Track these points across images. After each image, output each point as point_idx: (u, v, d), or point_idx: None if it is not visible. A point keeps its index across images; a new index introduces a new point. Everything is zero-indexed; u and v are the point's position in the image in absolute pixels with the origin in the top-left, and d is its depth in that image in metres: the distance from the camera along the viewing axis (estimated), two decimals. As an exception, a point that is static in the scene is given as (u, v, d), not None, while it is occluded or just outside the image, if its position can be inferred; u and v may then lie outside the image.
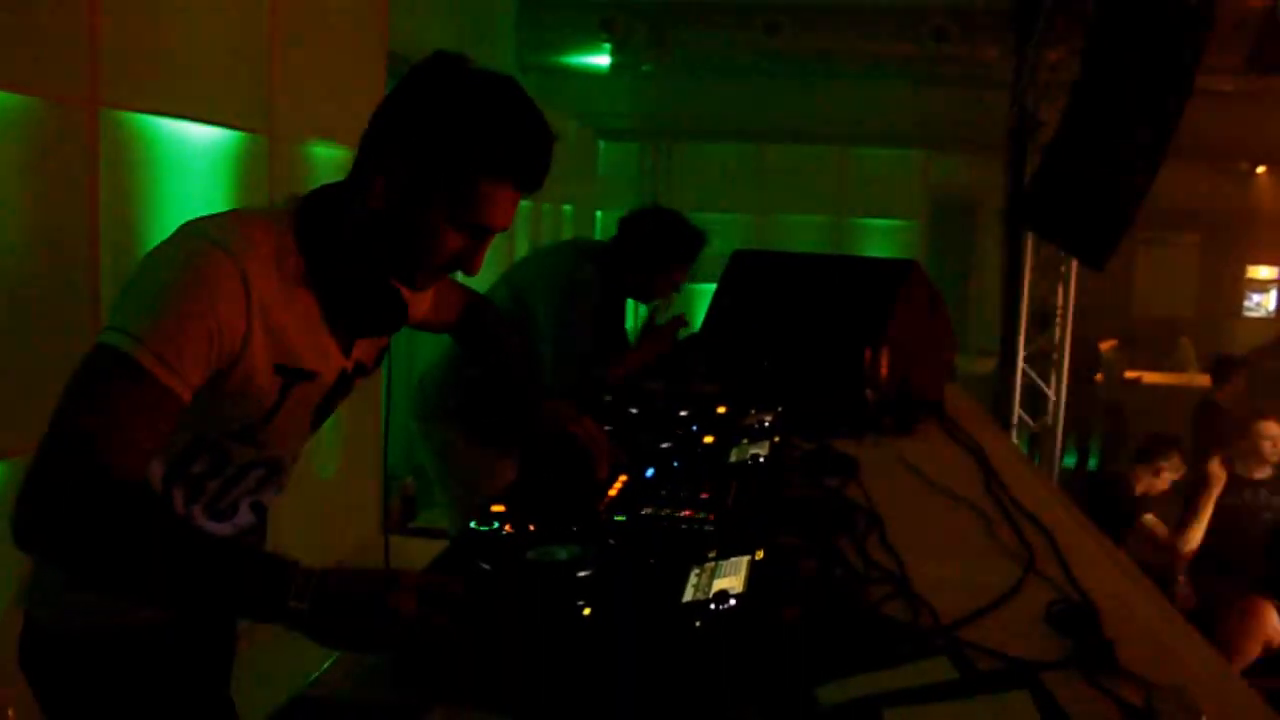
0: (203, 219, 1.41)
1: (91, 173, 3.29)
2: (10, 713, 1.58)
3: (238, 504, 1.62)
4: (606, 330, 3.48)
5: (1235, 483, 4.95)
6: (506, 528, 1.63)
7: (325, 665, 1.39)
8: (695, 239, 3.55)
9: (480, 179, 1.41)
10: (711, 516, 1.70)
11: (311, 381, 1.53)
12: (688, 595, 1.37)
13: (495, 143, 1.41)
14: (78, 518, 1.21)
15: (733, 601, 1.31)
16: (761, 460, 2.06)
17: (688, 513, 1.72)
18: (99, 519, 1.21)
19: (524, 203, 1.91)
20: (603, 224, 12.80)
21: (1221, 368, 7.48)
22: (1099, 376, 9.26)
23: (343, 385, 1.63)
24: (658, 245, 3.50)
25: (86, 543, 1.22)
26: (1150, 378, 9.61)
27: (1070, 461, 8.46)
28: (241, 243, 1.37)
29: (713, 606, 1.31)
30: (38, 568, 1.57)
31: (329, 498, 4.80)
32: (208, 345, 1.33)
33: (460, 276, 1.57)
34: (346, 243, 1.48)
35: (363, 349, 1.64)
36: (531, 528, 1.63)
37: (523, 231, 8.64)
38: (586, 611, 1.33)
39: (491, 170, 1.41)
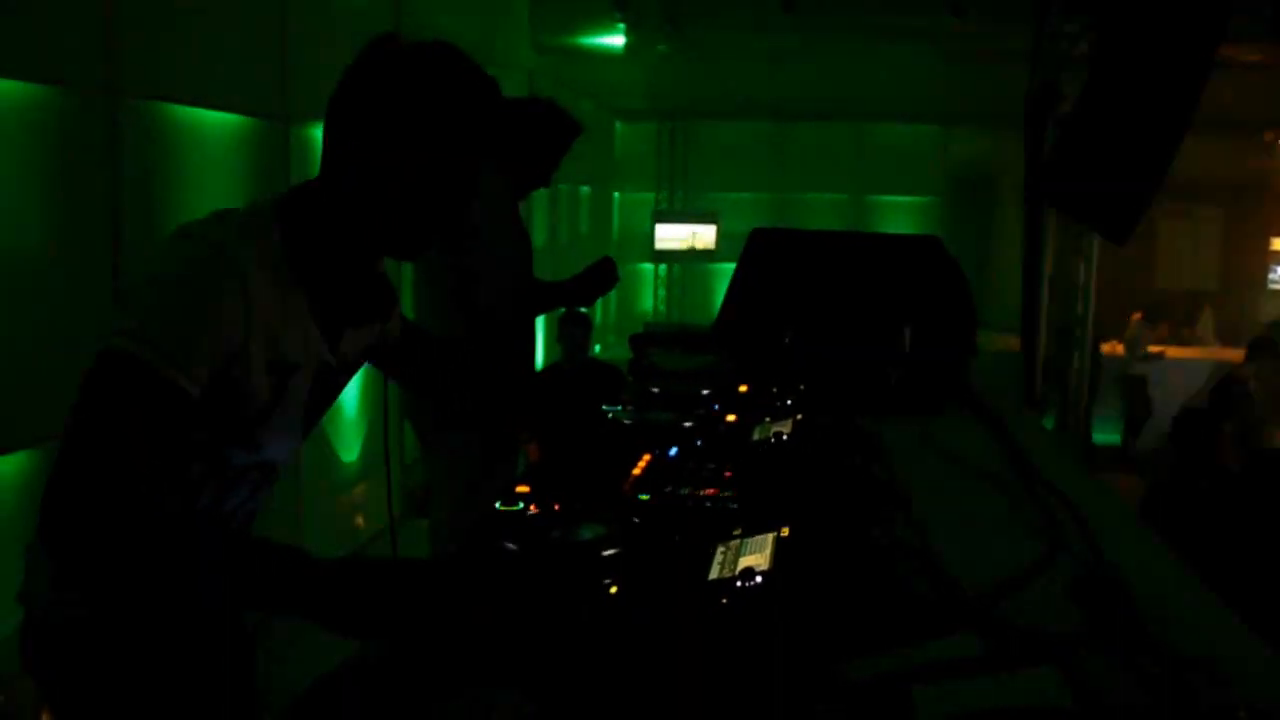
0: (192, 224, 1.45)
1: (113, 161, 3.30)
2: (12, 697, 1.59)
3: (235, 512, 1.63)
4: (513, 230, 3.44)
5: None
6: (531, 508, 1.64)
7: (343, 653, 1.40)
8: (572, 121, 3.53)
9: (476, 150, 1.49)
10: (735, 494, 1.70)
11: (300, 374, 1.55)
12: (713, 573, 1.37)
13: (477, 122, 1.48)
14: (106, 534, 1.25)
15: (759, 579, 1.31)
16: (785, 438, 2.05)
17: (712, 491, 1.72)
18: (124, 534, 1.25)
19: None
20: (620, 204, 12.79)
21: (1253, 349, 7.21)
22: (1120, 349, 9.20)
23: (330, 382, 1.64)
24: (539, 129, 3.45)
25: (115, 555, 1.26)
26: (1174, 352, 9.54)
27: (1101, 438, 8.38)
28: (234, 242, 1.41)
29: (739, 584, 1.31)
30: (29, 563, 1.58)
31: (349, 485, 4.83)
32: (210, 344, 1.36)
33: None
34: (332, 232, 1.51)
35: (350, 343, 1.65)
36: (556, 507, 1.64)
37: (541, 212, 8.63)
38: (612, 590, 1.33)
39: (475, 148, 1.49)
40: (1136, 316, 9.33)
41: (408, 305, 3.92)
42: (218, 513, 1.59)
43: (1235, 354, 8.86)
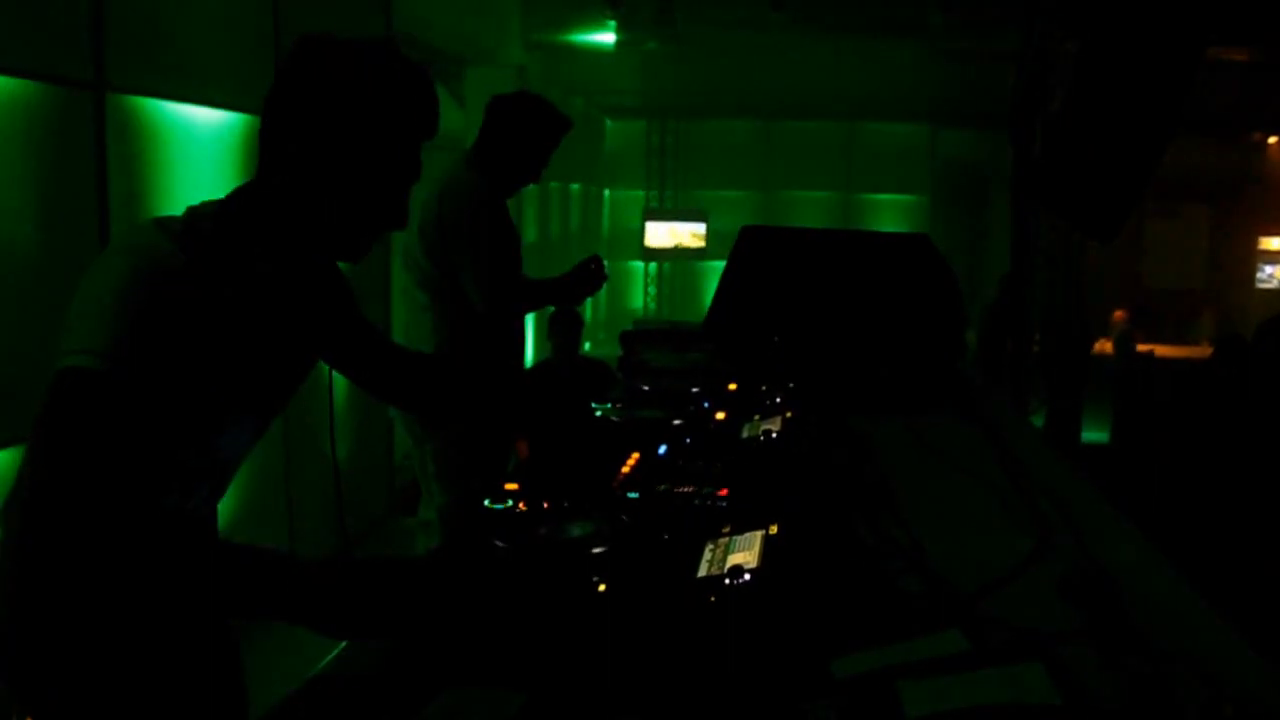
0: (131, 233, 1.47)
1: (99, 157, 3.29)
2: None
3: (198, 510, 1.62)
4: (504, 230, 3.44)
5: None
6: (520, 505, 1.64)
7: (330, 655, 1.40)
8: (561, 116, 3.53)
9: (416, 141, 1.52)
10: (725, 492, 1.70)
11: (254, 379, 1.56)
12: (702, 570, 1.37)
13: (423, 109, 1.51)
14: (99, 544, 1.26)
15: (747, 576, 1.32)
16: (774, 436, 2.05)
17: (702, 489, 1.72)
18: (116, 543, 1.26)
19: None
20: (610, 202, 12.79)
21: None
22: (1109, 347, 9.23)
23: (281, 382, 1.64)
24: (527, 122, 3.44)
25: (109, 562, 1.28)
26: (1163, 350, 9.57)
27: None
28: (174, 251, 1.42)
29: (727, 581, 1.31)
30: None
31: (341, 480, 4.82)
32: (160, 352, 1.36)
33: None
34: (275, 233, 1.52)
35: (298, 343, 1.65)
36: (545, 505, 1.64)
37: (531, 209, 8.62)
38: (601, 588, 1.34)
39: (425, 131, 1.52)
40: (1120, 315, 9.36)
41: (398, 306, 3.91)
42: (182, 512, 1.59)
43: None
